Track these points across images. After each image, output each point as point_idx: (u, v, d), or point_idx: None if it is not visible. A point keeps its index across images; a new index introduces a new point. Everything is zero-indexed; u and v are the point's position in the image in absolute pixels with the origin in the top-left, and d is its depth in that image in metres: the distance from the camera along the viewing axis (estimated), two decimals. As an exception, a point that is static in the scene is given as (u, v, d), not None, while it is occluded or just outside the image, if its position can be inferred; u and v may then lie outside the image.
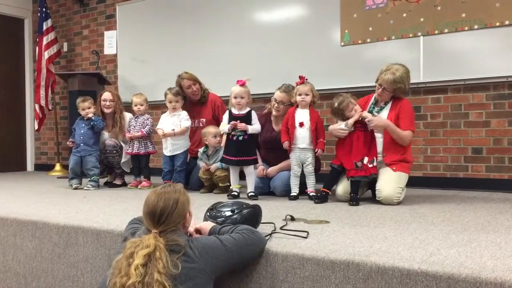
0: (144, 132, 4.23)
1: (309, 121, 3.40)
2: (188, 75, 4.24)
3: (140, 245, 1.71)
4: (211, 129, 3.91)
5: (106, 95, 4.47)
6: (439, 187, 4.12)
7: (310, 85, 3.44)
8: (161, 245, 1.70)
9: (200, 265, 1.75)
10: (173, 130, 4.01)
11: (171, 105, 4.06)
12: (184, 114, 4.10)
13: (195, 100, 4.32)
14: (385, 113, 3.36)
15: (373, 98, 3.49)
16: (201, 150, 3.98)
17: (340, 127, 3.25)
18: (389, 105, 3.38)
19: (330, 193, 3.31)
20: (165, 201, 1.78)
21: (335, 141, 3.38)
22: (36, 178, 5.70)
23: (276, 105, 3.72)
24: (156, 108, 5.48)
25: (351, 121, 3.20)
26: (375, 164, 3.20)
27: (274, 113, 3.77)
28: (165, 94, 4.10)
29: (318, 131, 3.42)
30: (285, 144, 3.45)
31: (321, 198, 3.23)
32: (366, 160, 3.17)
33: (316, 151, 3.42)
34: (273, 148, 3.72)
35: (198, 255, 1.75)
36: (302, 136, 3.41)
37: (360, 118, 3.19)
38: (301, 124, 3.41)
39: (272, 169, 3.72)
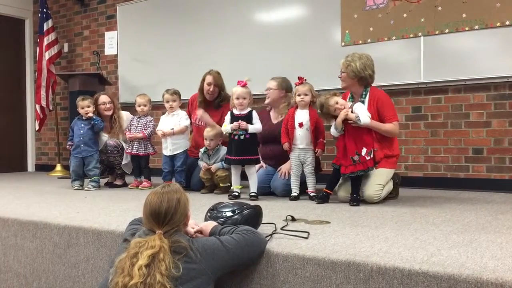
0: (146, 134, 4.23)
1: (308, 122, 3.40)
2: (216, 74, 4.20)
3: (145, 245, 1.71)
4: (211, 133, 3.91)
5: (104, 98, 4.46)
6: (439, 187, 4.11)
7: (309, 85, 3.45)
8: (165, 246, 1.70)
9: (201, 266, 1.75)
10: (172, 129, 4.02)
11: (168, 105, 4.08)
12: (183, 114, 4.12)
13: (210, 100, 4.26)
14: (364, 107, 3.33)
15: (349, 95, 3.48)
16: (202, 150, 3.99)
17: (332, 132, 3.24)
18: (366, 99, 3.36)
19: (331, 194, 3.29)
20: (168, 202, 1.78)
21: (334, 141, 3.38)
22: (36, 179, 5.70)
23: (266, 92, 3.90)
24: (157, 108, 5.48)
25: (338, 121, 3.14)
26: (372, 156, 3.15)
27: (265, 101, 3.93)
28: (163, 95, 4.14)
29: (318, 131, 3.43)
30: (285, 146, 3.46)
31: (322, 198, 3.23)
32: (364, 151, 3.12)
33: (316, 151, 3.43)
34: (270, 142, 3.73)
35: (199, 256, 1.75)
36: (302, 136, 3.41)
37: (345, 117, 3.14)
38: (301, 125, 3.41)
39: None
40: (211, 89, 4.18)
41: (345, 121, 3.14)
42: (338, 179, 3.32)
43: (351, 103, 3.25)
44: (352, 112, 3.13)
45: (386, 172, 3.26)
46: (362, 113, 3.12)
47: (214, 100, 4.23)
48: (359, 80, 3.36)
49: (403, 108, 4.33)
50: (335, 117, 3.18)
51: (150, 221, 1.79)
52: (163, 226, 1.76)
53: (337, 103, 3.16)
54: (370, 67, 3.35)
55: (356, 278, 1.74)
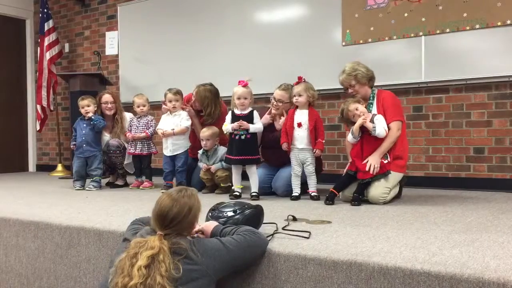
0: (149, 133, 4.24)
1: (307, 122, 3.39)
2: (203, 91, 4.07)
3: (145, 245, 1.71)
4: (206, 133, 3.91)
5: (107, 97, 4.45)
6: (441, 187, 4.11)
7: (304, 85, 3.43)
8: (165, 248, 1.70)
9: (202, 267, 1.75)
10: (173, 129, 4.02)
11: (171, 104, 4.05)
12: (184, 114, 4.10)
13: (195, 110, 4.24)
14: (374, 109, 3.33)
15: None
16: (200, 151, 3.98)
17: (349, 139, 3.25)
18: (374, 101, 3.37)
19: (338, 195, 3.24)
20: (179, 208, 1.78)
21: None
22: (38, 179, 5.70)
23: (275, 103, 3.73)
24: (158, 108, 5.47)
25: (355, 128, 3.16)
26: (389, 159, 3.19)
27: (273, 111, 3.77)
28: (165, 94, 4.11)
29: (317, 131, 3.41)
30: (284, 146, 3.45)
31: (330, 199, 3.16)
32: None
33: (314, 151, 3.41)
34: (274, 147, 3.72)
35: (200, 257, 1.75)
36: (300, 136, 3.41)
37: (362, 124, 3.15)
38: (299, 125, 3.40)
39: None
40: (192, 102, 4.18)
41: (363, 129, 3.16)
42: (349, 184, 3.26)
43: (372, 113, 3.24)
44: (372, 121, 3.14)
45: (395, 175, 3.25)
46: (380, 125, 3.14)
47: (201, 114, 4.17)
48: (369, 82, 3.39)
49: (404, 107, 4.30)
50: (354, 123, 3.19)
51: (155, 221, 1.79)
52: (165, 229, 1.76)
53: (357, 109, 3.17)
54: (367, 67, 3.42)
55: (358, 278, 1.74)
